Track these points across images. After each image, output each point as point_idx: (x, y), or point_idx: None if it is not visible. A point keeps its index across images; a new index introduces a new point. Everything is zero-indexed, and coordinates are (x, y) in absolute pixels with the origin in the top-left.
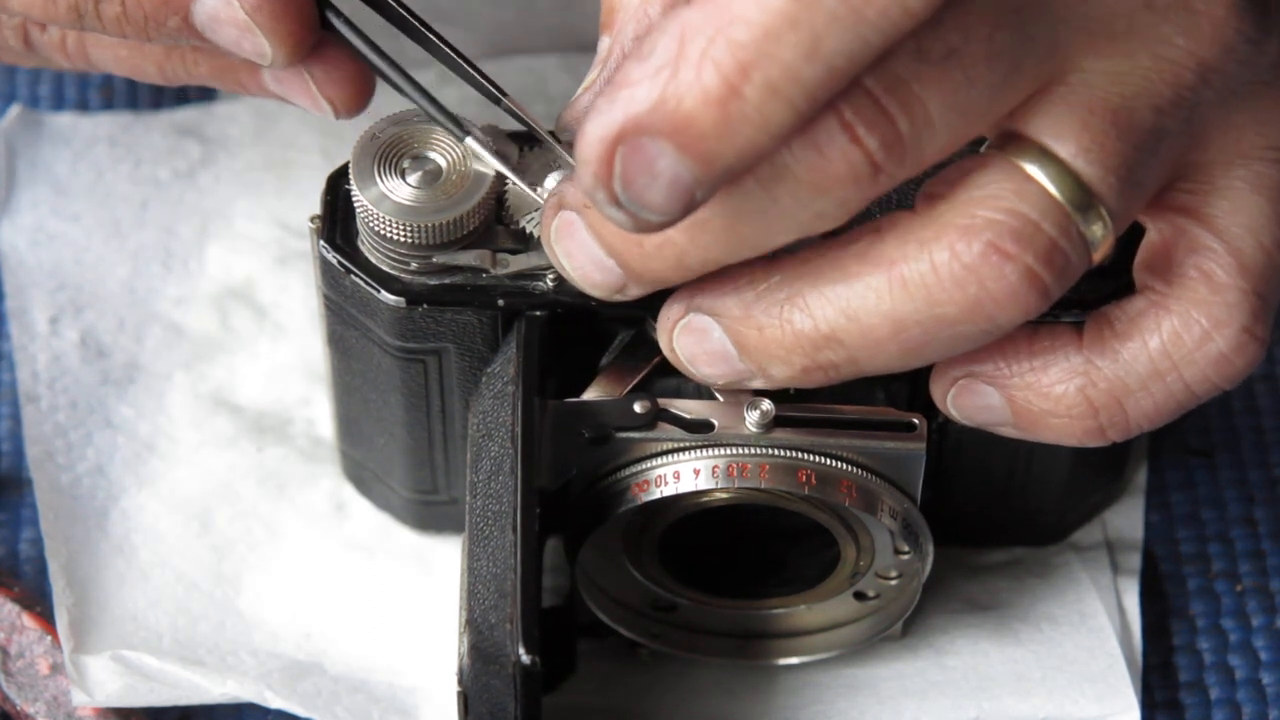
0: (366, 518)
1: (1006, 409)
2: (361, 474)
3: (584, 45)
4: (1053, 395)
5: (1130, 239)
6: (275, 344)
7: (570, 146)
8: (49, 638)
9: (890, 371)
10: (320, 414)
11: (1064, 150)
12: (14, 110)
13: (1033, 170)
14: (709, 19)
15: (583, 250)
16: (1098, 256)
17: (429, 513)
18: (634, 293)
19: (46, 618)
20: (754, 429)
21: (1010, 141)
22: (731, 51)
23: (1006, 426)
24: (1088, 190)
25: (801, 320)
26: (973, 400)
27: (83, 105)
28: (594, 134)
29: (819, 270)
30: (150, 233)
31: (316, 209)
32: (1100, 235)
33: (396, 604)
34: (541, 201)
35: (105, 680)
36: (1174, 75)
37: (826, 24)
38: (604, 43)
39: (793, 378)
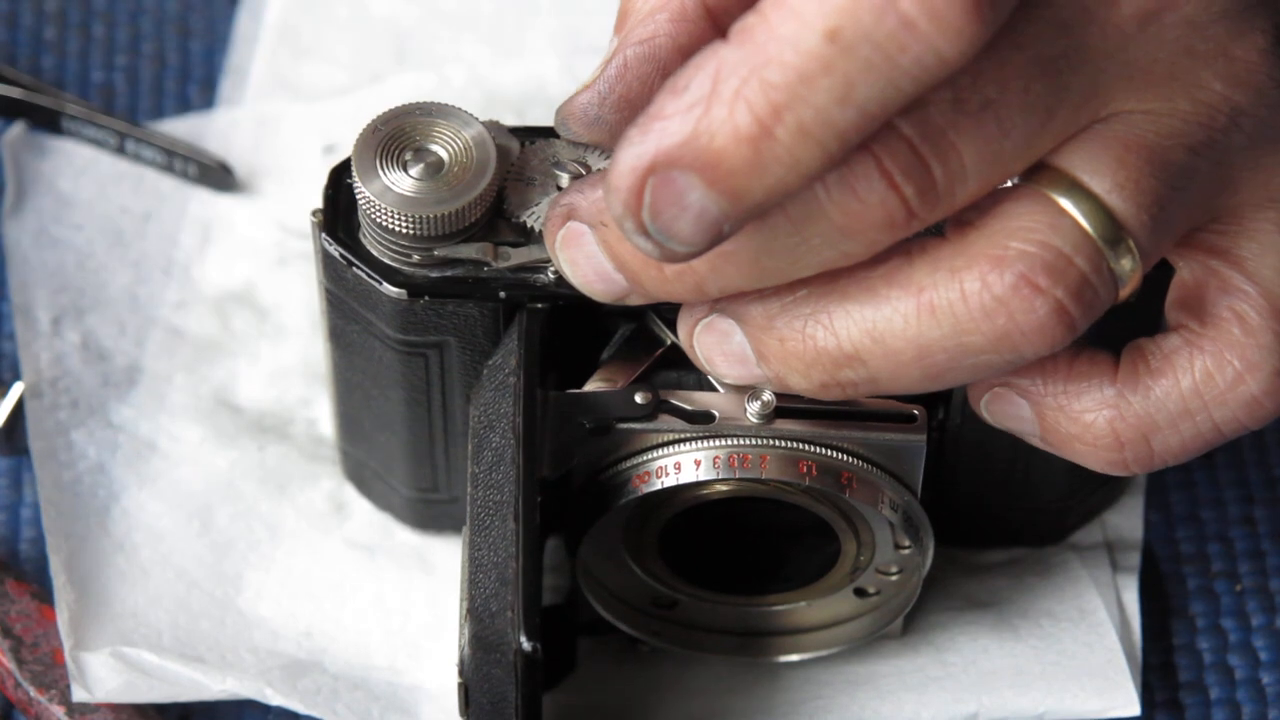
0: (366, 517)
1: (1036, 424)
2: (362, 473)
3: (584, 47)
4: (1082, 422)
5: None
6: (276, 345)
7: (567, 143)
8: None
9: (909, 393)
10: (321, 414)
11: (1098, 185)
12: (17, 127)
13: (1066, 204)
14: (744, 59)
15: (589, 262)
16: (1124, 293)
17: (429, 511)
18: (635, 302)
19: None
20: (755, 420)
21: (1044, 173)
22: (765, 92)
23: (1034, 438)
24: (1120, 225)
25: (825, 337)
26: (1006, 408)
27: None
28: (625, 163)
29: (846, 290)
30: (152, 242)
31: (318, 207)
32: (1129, 271)
33: (396, 603)
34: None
35: (105, 677)
36: (1209, 118)
37: (860, 70)
38: (612, 44)
39: (809, 390)
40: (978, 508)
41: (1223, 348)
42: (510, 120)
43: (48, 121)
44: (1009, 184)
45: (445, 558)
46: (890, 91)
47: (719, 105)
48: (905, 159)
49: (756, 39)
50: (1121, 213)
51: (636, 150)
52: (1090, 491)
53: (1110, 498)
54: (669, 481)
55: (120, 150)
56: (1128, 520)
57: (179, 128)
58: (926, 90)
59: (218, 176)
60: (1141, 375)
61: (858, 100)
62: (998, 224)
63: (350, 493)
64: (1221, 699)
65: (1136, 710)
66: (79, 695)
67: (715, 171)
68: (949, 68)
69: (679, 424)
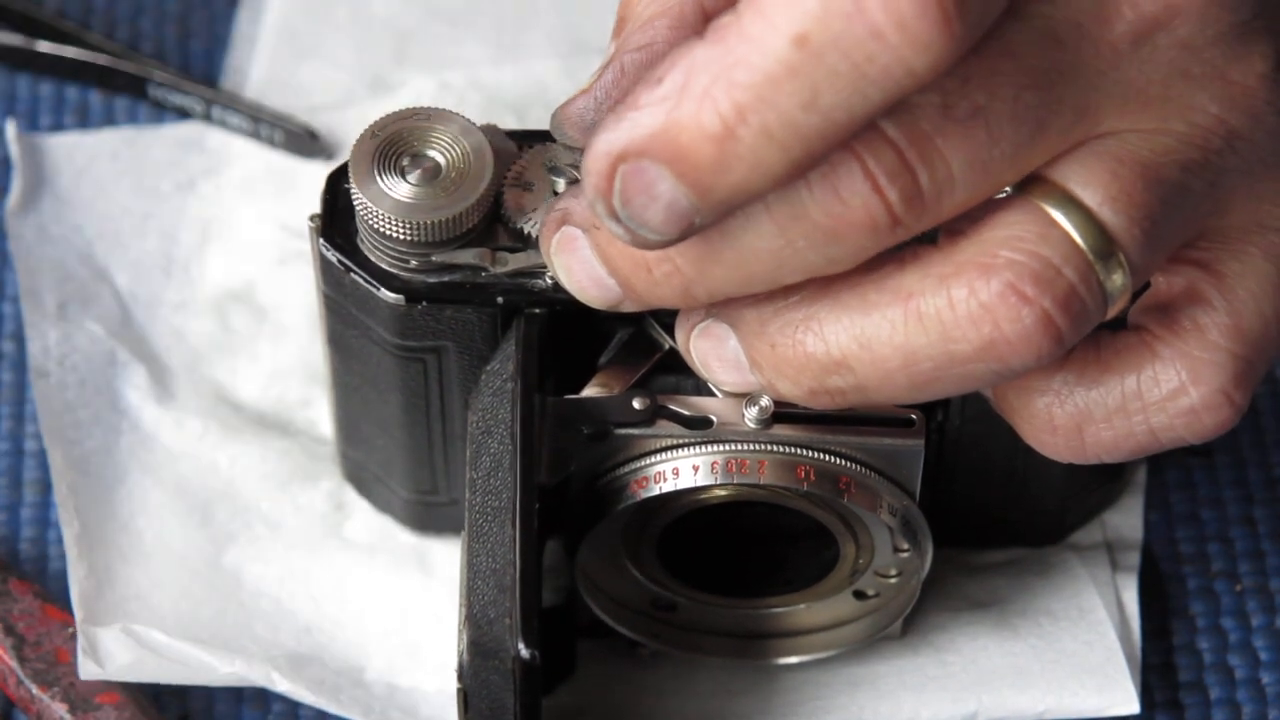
0: (366, 518)
1: (990, 390)
2: (361, 475)
3: (584, 48)
4: (1024, 396)
5: None
6: (276, 345)
7: (565, 148)
8: (70, 628)
9: (897, 403)
10: (321, 414)
11: (1090, 198)
12: (11, 129)
13: (1057, 215)
14: (715, 58)
15: (583, 267)
16: (1113, 310)
17: (429, 514)
18: (629, 309)
19: (67, 611)
20: (753, 425)
21: (1036, 184)
22: (731, 93)
23: (990, 400)
24: (1111, 239)
25: (814, 343)
26: None
27: (83, 123)
28: (599, 149)
29: (838, 295)
30: (152, 241)
31: (316, 209)
32: (1119, 286)
33: (396, 604)
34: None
35: (116, 652)
36: (1204, 140)
37: (827, 77)
38: (610, 49)
39: (799, 398)
40: (977, 508)
41: (1175, 356)
42: (510, 121)
43: (133, 88)
44: (1002, 194)
45: (444, 558)
46: (857, 100)
47: (689, 101)
48: (890, 162)
49: (728, 39)
50: (1113, 226)
51: (610, 136)
52: (1090, 492)
53: (1110, 498)
54: (667, 487)
55: (207, 117)
56: (1127, 520)
57: (179, 134)
58: (896, 100)
59: (303, 142)
60: (1090, 366)
61: (823, 107)
62: (988, 233)
63: (350, 493)
64: (1221, 699)
65: (1135, 708)
66: (89, 671)
67: (683, 165)
68: (918, 80)
69: (677, 429)
